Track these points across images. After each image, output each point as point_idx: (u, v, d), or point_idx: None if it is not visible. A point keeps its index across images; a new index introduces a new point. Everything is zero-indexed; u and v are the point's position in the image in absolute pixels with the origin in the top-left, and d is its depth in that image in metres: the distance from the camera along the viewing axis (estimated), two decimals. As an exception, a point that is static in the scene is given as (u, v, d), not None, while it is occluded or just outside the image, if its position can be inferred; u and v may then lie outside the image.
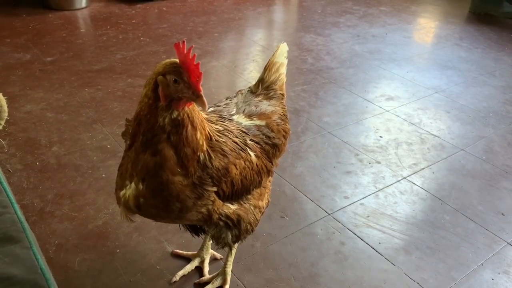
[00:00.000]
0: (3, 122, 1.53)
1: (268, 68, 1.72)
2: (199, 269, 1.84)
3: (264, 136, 1.56)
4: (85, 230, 1.97)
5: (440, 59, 4.08)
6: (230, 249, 1.72)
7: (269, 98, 1.69)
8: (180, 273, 1.78)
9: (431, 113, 3.16)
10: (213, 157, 1.33)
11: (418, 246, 2.04)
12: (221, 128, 1.42)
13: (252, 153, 1.47)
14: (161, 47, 3.85)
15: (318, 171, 2.48)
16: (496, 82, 3.70)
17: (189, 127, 1.25)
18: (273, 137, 1.59)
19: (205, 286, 1.74)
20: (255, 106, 1.63)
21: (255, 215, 1.55)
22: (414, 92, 3.45)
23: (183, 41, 1.17)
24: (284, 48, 1.74)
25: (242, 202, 1.49)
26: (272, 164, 1.60)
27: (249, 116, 1.59)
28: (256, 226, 1.58)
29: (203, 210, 1.37)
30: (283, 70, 1.74)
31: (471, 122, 3.09)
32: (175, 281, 1.76)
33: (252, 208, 1.53)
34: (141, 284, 1.75)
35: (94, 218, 2.03)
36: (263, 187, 1.59)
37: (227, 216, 1.44)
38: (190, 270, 1.81)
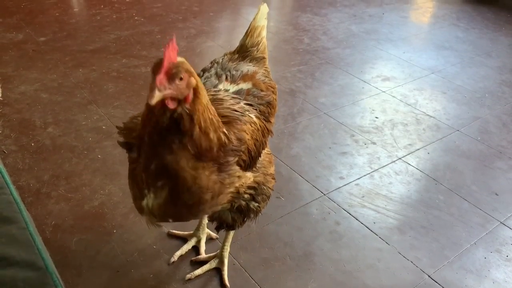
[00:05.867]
0: None
1: (249, 33, 1.66)
2: (195, 249, 1.85)
3: (255, 98, 1.52)
4: (81, 211, 1.97)
5: (437, 40, 4.06)
6: (229, 232, 1.73)
7: (244, 58, 1.65)
8: (178, 253, 1.80)
9: (427, 94, 3.16)
10: (228, 132, 1.27)
11: (412, 225, 2.07)
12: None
13: (252, 115, 1.41)
14: (156, 27, 3.80)
15: (313, 152, 2.48)
16: (492, 63, 3.69)
17: (194, 119, 1.15)
18: (264, 96, 1.55)
19: (202, 265, 1.76)
20: (235, 70, 1.57)
21: (268, 185, 1.52)
22: (410, 72, 3.44)
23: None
24: (264, 9, 1.69)
25: (255, 169, 1.45)
26: (270, 122, 1.57)
27: (233, 81, 1.54)
28: (271, 192, 1.54)
29: (232, 189, 1.32)
30: (264, 33, 1.70)
31: (467, 102, 3.10)
32: (173, 262, 1.78)
33: (263, 176, 1.49)
34: (138, 263, 1.76)
35: (90, 199, 2.04)
36: (268, 153, 1.57)
37: (249, 186, 1.39)
38: (187, 250, 1.83)
